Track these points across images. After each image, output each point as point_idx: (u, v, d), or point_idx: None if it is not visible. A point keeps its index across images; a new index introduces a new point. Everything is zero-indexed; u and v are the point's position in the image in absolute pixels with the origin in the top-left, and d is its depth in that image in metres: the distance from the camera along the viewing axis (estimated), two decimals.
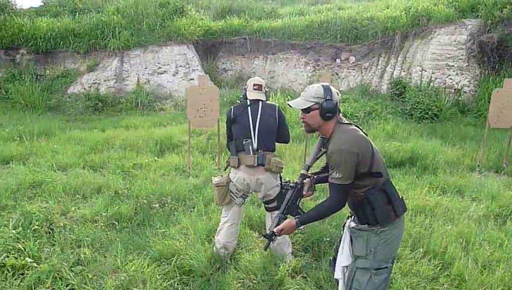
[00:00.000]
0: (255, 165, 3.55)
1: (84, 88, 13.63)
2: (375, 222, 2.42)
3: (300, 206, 2.69)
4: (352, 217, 2.62)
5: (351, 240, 2.59)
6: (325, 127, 2.48)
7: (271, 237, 2.62)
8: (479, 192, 5.78)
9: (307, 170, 2.69)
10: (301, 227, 2.52)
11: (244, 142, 3.60)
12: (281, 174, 3.79)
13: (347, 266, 2.55)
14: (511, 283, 3.52)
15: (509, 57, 11.45)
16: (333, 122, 2.47)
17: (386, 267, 2.45)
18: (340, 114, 2.54)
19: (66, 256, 3.71)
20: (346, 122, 2.52)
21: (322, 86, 2.47)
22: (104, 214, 4.66)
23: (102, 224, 4.44)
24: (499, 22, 11.70)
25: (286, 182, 3.76)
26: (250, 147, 3.58)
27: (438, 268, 3.69)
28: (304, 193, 2.73)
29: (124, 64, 14.12)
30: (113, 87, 13.77)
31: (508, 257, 3.92)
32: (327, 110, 2.41)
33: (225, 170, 3.91)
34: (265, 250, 2.83)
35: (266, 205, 3.81)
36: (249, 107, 3.70)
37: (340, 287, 2.61)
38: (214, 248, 3.81)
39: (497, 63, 11.66)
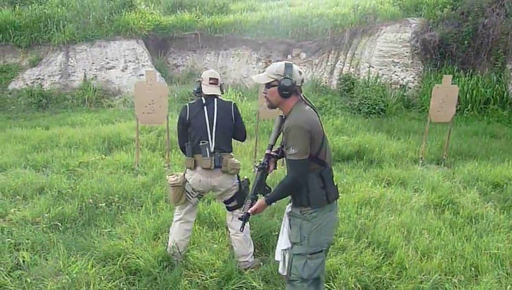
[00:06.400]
0: (212, 167, 3.47)
1: (27, 84, 13.00)
2: (307, 204, 2.51)
3: (267, 184, 2.73)
4: (291, 202, 2.68)
5: (290, 226, 2.68)
6: (284, 104, 2.55)
7: (246, 218, 2.69)
8: (420, 183, 6.05)
9: (271, 149, 2.73)
10: (272, 204, 2.64)
11: (201, 144, 3.47)
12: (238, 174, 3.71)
13: (286, 249, 2.64)
14: (448, 269, 3.72)
15: (449, 54, 12.04)
16: (293, 100, 2.52)
17: (321, 251, 2.55)
18: (302, 94, 2.57)
19: (4, 261, 3.54)
20: (308, 103, 2.57)
21: (285, 63, 2.52)
22: (46, 215, 4.47)
23: (43, 226, 4.25)
24: (440, 21, 12.28)
25: (244, 179, 3.72)
26: (207, 149, 3.47)
27: (381, 257, 3.81)
28: (269, 171, 2.77)
29: (70, 59, 13.57)
30: (58, 83, 13.22)
31: (445, 244, 4.13)
32: (284, 88, 2.46)
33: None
34: (241, 231, 2.86)
35: (227, 205, 3.72)
36: (205, 107, 3.56)
37: (280, 268, 2.71)
38: (169, 248, 3.73)
39: (438, 60, 12.23)
